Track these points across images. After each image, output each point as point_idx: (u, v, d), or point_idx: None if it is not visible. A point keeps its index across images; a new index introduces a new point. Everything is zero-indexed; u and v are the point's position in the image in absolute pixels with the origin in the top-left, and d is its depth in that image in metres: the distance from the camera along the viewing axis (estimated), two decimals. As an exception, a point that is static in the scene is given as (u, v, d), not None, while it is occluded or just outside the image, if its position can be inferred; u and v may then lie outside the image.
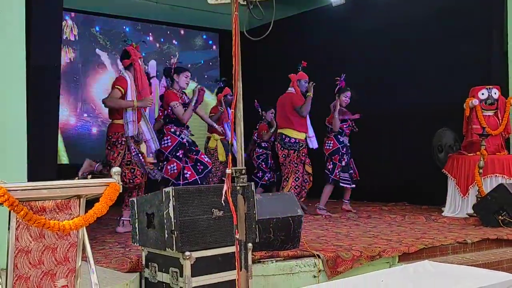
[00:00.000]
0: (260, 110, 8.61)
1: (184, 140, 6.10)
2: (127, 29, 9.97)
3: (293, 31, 9.70)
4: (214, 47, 11.09)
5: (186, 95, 6.34)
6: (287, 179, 6.90)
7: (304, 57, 9.40)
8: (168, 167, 6.00)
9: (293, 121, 6.87)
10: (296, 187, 6.86)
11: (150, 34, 10.25)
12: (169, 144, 6.06)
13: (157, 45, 10.34)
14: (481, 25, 7.41)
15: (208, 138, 7.89)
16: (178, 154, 6.05)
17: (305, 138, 7.00)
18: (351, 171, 7.23)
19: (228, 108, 7.81)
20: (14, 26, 3.90)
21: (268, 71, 10.13)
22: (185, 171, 6.03)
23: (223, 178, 7.77)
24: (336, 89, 7.31)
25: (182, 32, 10.68)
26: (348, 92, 7.22)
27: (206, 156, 6.33)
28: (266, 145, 8.54)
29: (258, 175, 8.44)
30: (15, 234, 2.42)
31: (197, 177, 6.00)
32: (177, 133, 6.09)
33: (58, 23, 4.64)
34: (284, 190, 6.82)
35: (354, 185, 7.25)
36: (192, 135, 6.37)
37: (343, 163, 7.11)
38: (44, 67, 4.41)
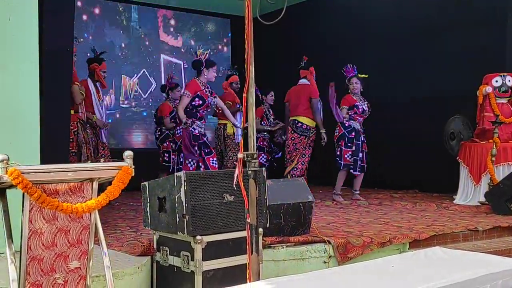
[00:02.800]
0: (260, 94, 8.48)
1: (196, 131, 6.08)
2: (135, 15, 9.97)
3: (303, 17, 9.65)
4: (225, 32, 11.05)
5: (210, 88, 6.27)
6: (291, 160, 7.15)
7: (316, 43, 9.39)
8: (188, 164, 6.04)
9: (309, 110, 7.16)
10: (301, 169, 7.15)
11: (159, 18, 10.23)
12: (185, 138, 6.12)
13: (168, 29, 10.33)
14: (496, 12, 7.32)
15: (225, 125, 8.00)
16: (195, 147, 6.04)
17: (316, 126, 7.17)
18: (357, 157, 7.06)
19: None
20: (26, 11, 3.92)
21: (280, 56, 10.11)
22: (191, 161, 6.04)
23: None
24: (348, 77, 7.26)
25: (193, 17, 10.65)
26: (354, 78, 7.14)
27: (215, 161, 6.21)
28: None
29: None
30: (29, 216, 2.44)
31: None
32: (191, 125, 6.07)
33: (71, 8, 4.64)
34: (287, 170, 7.19)
35: (358, 172, 7.09)
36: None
37: (354, 148, 7.05)
38: (56, 51, 4.42)
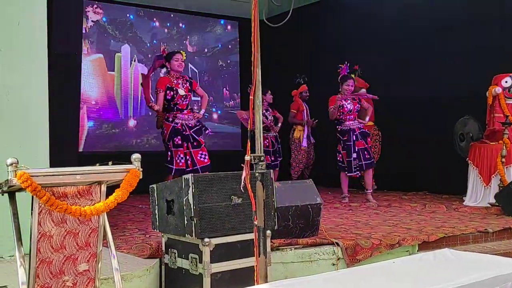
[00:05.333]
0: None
1: (179, 125, 6.00)
2: (137, 18, 10.00)
3: (311, 18, 9.65)
4: (233, 35, 11.07)
5: (186, 78, 6.23)
6: None
7: (323, 44, 9.40)
8: (177, 160, 5.94)
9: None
10: None
11: (168, 22, 10.27)
12: (165, 132, 6.07)
13: (175, 31, 10.36)
14: (505, 12, 7.27)
15: (294, 129, 8.46)
16: (176, 141, 5.94)
17: None
18: (350, 158, 6.93)
19: (305, 104, 8.53)
20: (36, 14, 3.95)
21: (287, 58, 10.12)
22: (180, 155, 5.95)
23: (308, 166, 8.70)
24: (339, 77, 7.22)
25: (201, 20, 10.68)
26: (350, 80, 7.07)
27: (204, 155, 6.06)
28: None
29: None
30: (38, 219, 2.46)
31: (183, 169, 5.87)
32: (170, 119, 6.04)
33: (79, 11, 4.68)
34: None
35: (355, 173, 6.99)
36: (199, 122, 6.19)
37: (346, 150, 6.99)
38: (65, 54, 4.45)
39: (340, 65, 7.25)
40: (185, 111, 6.09)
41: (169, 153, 5.97)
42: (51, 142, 3.95)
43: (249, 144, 2.50)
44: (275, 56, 9.69)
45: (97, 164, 2.60)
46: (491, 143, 6.70)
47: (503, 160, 6.34)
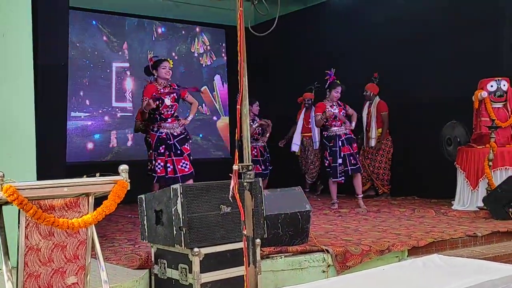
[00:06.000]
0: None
1: (163, 134, 5.99)
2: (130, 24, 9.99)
3: (298, 26, 9.69)
4: (220, 43, 11.08)
5: (174, 86, 6.18)
6: None
7: (310, 52, 9.44)
8: (156, 168, 5.94)
9: None
10: None
11: (154, 30, 10.25)
12: (150, 142, 6.07)
13: (163, 41, 10.35)
14: (490, 16, 7.35)
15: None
16: (160, 149, 5.95)
17: None
18: (336, 164, 6.96)
19: (303, 112, 8.77)
20: (21, 25, 3.93)
21: (274, 66, 10.15)
22: (160, 163, 5.93)
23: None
24: (327, 84, 7.23)
25: (187, 28, 10.68)
26: (339, 87, 7.06)
27: (186, 164, 6.02)
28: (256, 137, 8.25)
29: None
30: (25, 232, 2.44)
31: (163, 175, 5.88)
32: (155, 129, 6.03)
33: (65, 22, 4.64)
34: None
35: (339, 179, 6.98)
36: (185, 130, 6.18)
37: (332, 156, 7.02)
38: (51, 66, 4.42)
39: (327, 71, 7.25)
40: (170, 120, 6.06)
41: (153, 161, 5.97)
42: (39, 155, 3.92)
43: (237, 153, 2.50)
44: (262, 63, 9.71)
45: (85, 176, 2.59)
46: (478, 147, 6.75)
47: (490, 163, 6.38)
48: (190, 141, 6.25)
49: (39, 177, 3.71)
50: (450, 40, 7.70)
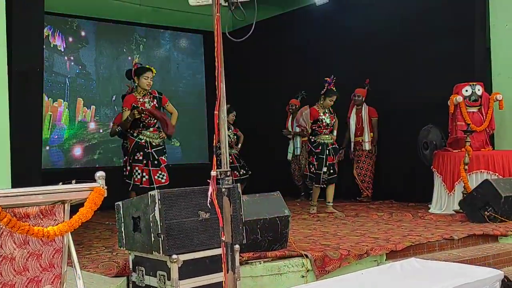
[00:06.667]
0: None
1: (142, 141, 5.96)
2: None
3: (277, 31, 9.71)
4: (198, 48, 11.05)
5: (153, 94, 6.11)
6: None
7: (289, 57, 9.46)
8: (134, 175, 5.89)
9: None
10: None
11: (133, 36, 10.18)
12: (128, 147, 6.04)
13: (141, 46, 10.29)
14: (464, 22, 7.45)
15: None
16: (137, 156, 5.91)
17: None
18: (320, 171, 7.02)
19: (290, 118, 8.83)
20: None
21: (253, 72, 10.15)
22: (137, 170, 5.89)
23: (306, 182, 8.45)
24: (324, 90, 7.24)
25: (165, 33, 10.63)
26: (334, 96, 7.04)
27: (162, 175, 6.00)
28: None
29: None
30: (-1, 241, 2.40)
31: (138, 184, 5.86)
32: (135, 134, 5.99)
33: (40, 26, 4.60)
34: None
35: (321, 185, 7.09)
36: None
37: (318, 162, 7.07)
38: (26, 71, 4.36)
39: (326, 78, 7.23)
40: (152, 129, 6.02)
41: (128, 167, 5.92)
42: (13, 162, 3.85)
43: (214, 159, 2.49)
44: (241, 69, 9.71)
45: (60, 183, 2.55)
46: (454, 151, 6.83)
47: (466, 167, 6.45)
48: (166, 154, 6.19)
49: (14, 185, 3.65)
50: (424, 46, 7.79)
